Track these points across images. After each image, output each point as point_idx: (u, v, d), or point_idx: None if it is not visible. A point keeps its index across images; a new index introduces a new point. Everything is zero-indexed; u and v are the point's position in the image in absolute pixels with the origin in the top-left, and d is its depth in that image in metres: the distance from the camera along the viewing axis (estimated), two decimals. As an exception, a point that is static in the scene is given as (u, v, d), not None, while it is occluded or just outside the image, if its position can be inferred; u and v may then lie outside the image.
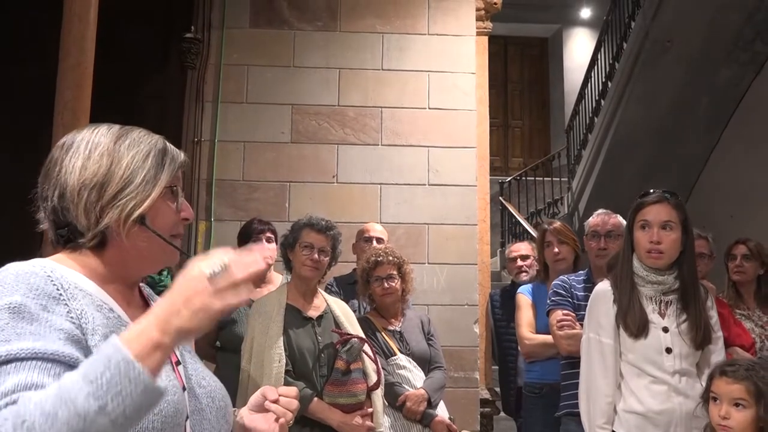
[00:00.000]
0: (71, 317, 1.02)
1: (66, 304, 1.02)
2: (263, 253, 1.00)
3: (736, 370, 2.08)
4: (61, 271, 1.08)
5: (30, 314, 0.97)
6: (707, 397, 2.14)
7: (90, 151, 1.14)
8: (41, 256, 1.13)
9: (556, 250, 3.37)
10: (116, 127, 1.19)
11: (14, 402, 0.85)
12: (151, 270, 1.26)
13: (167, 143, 1.23)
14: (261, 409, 1.26)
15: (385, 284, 3.20)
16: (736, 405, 2.04)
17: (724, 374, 2.08)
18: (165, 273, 3.20)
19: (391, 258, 3.22)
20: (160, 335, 0.91)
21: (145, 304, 1.25)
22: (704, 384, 2.22)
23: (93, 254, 1.14)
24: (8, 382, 0.89)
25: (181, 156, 1.24)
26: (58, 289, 1.03)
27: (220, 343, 3.53)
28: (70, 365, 0.94)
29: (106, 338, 1.01)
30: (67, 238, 1.14)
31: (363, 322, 3.21)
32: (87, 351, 1.00)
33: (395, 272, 3.22)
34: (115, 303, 1.13)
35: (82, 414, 0.83)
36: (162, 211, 1.17)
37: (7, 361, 0.91)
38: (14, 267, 1.04)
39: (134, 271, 1.19)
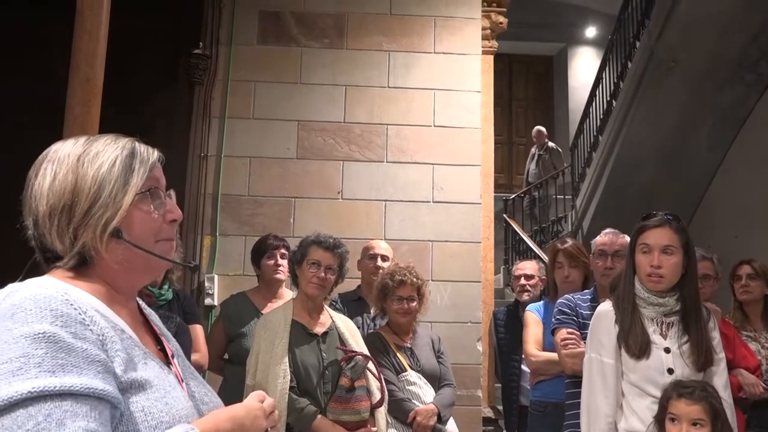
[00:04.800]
0: (98, 343, 1.00)
1: (91, 330, 1.00)
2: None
3: (692, 391, 2.20)
4: (76, 293, 1.05)
5: (65, 344, 0.95)
6: (662, 417, 2.22)
7: (55, 172, 1.11)
8: (41, 273, 1.13)
9: (566, 273, 3.38)
10: (82, 140, 1.16)
11: None
12: (142, 281, 1.22)
13: (137, 144, 1.18)
14: None
15: (405, 305, 3.22)
16: (694, 424, 2.17)
17: (681, 396, 2.20)
18: (166, 287, 3.20)
19: (414, 280, 3.24)
20: None
21: (146, 320, 1.24)
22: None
23: (89, 272, 1.12)
24: (73, 426, 0.90)
25: (155, 154, 1.19)
26: (80, 314, 1.00)
27: (229, 356, 3.54)
28: (114, 405, 0.96)
29: (125, 362, 1.02)
30: (55, 260, 1.12)
31: (374, 337, 3.22)
32: (116, 378, 0.99)
33: (416, 294, 3.24)
34: (125, 323, 1.11)
35: None
36: (139, 219, 1.13)
37: (61, 394, 0.91)
38: (25, 290, 1.01)
39: (125, 285, 1.15)
